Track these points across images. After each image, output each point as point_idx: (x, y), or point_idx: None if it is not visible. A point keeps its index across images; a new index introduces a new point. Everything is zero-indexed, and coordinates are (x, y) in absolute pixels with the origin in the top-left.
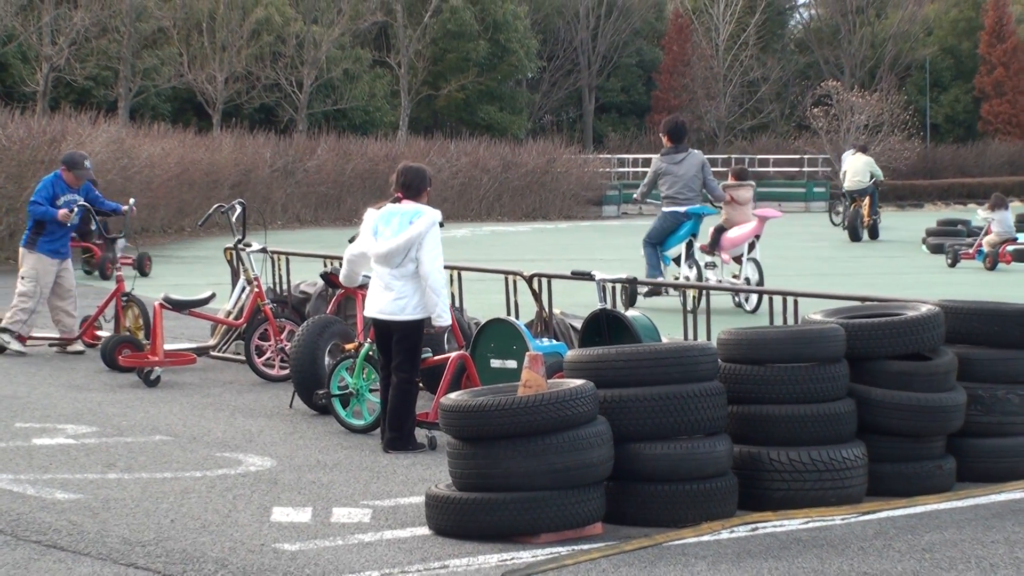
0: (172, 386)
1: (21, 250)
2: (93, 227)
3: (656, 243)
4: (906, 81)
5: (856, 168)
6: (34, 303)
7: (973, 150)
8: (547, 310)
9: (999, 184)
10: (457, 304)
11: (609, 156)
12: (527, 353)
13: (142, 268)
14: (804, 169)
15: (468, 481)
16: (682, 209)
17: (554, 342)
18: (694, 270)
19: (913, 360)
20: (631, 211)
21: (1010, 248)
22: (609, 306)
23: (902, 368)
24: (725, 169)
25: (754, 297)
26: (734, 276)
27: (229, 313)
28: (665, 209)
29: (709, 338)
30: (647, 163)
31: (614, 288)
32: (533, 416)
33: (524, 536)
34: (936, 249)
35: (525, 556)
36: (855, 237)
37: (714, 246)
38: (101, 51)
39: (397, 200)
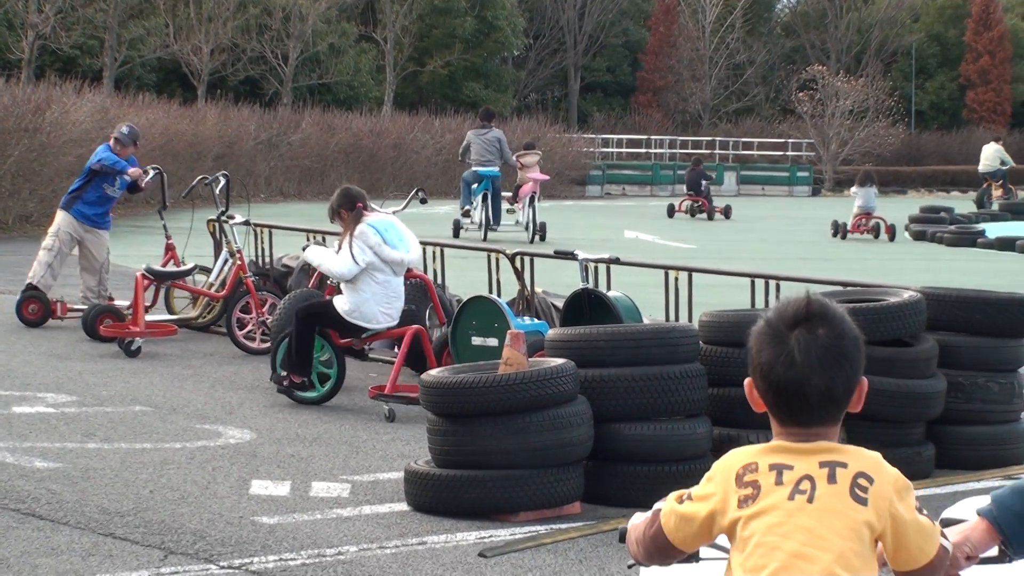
0: (153, 357)
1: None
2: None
3: (468, 183)
4: (892, 67)
5: (987, 154)
6: (51, 255)
7: (957, 138)
8: (529, 289)
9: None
10: (439, 281)
11: (593, 136)
12: (508, 331)
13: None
14: (788, 153)
15: (447, 458)
16: (482, 170)
17: (535, 321)
18: (481, 212)
19: (894, 346)
20: (614, 191)
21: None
22: (591, 286)
23: (883, 354)
24: (714, 152)
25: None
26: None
27: (211, 285)
28: (473, 168)
29: (691, 320)
30: (632, 144)
31: (596, 267)
32: (513, 394)
33: (503, 514)
34: (919, 236)
35: (503, 534)
36: (980, 206)
37: (515, 196)
38: (87, 20)
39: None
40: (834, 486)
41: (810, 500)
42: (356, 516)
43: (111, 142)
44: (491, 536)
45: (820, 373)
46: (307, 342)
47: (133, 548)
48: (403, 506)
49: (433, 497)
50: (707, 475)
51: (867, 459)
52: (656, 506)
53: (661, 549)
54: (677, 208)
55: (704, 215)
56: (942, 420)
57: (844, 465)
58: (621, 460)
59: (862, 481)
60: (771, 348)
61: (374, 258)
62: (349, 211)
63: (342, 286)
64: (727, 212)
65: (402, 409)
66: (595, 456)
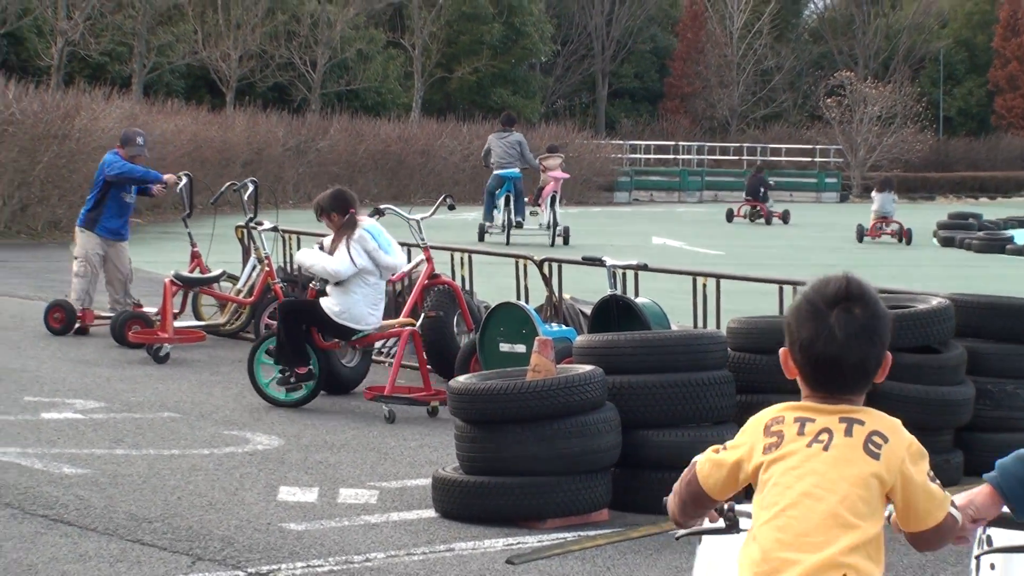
0: (181, 363)
1: (76, 229)
2: None
3: (491, 192)
4: (920, 73)
5: None
6: (86, 282)
7: (986, 144)
8: (557, 295)
9: (1011, 178)
10: (467, 287)
11: (621, 142)
12: (537, 338)
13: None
14: (816, 159)
15: (475, 465)
16: (503, 172)
17: (564, 327)
18: (504, 214)
19: (922, 353)
20: (642, 197)
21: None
22: (619, 292)
23: (911, 361)
24: (742, 158)
25: (544, 219)
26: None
27: (239, 291)
28: (495, 171)
29: (719, 326)
30: (660, 150)
31: (624, 274)
32: (542, 401)
33: (530, 521)
34: (947, 242)
35: (531, 541)
36: None
37: (537, 198)
38: (116, 26)
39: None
40: (849, 439)
41: (825, 448)
42: (384, 523)
43: (120, 150)
44: (519, 543)
45: (856, 350)
46: (296, 334)
47: (161, 554)
48: (431, 513)
49: (461, 504)
50: (741, 429)
51: (886, 421)
52: (694, 459)
53: (694, 496)
54: (736, 213)
55: (763, 220)
56: (970, 427)
57: (862, 423)
58: (649, 467)
59: (876, 439)
60: (812, 326)
61: (368, 262)
62: (341, 215)
63: (329, 288)
64: (785, 217)
65: (408, 410)
66: (623, 463)
